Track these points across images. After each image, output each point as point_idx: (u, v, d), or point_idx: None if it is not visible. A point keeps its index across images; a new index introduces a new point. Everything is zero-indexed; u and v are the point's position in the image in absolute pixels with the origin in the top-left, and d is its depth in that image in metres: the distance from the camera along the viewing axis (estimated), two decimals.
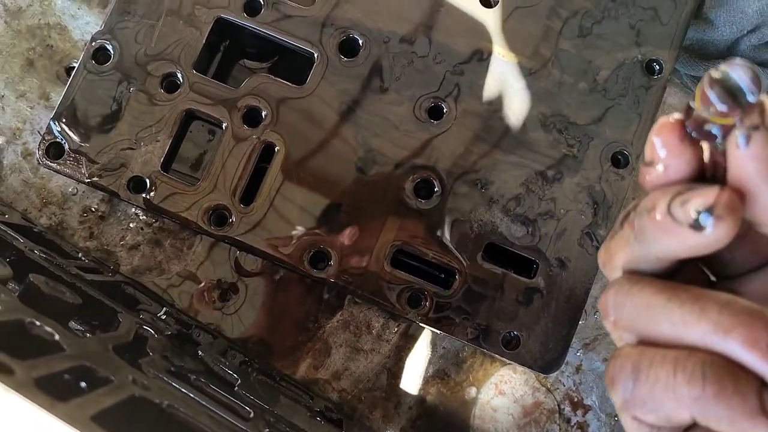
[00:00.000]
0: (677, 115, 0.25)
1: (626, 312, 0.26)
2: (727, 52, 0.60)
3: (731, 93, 0.23)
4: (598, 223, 0.53)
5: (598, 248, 0.53)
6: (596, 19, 0.54)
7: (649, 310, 0.25)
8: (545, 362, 0.52)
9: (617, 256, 0.28)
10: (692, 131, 0.25)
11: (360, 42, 0.53)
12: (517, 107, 0.54)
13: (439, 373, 0.59)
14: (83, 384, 0.32)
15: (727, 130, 0.24)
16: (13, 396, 0.26)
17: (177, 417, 0.35)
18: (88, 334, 0.41)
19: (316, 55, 0.53)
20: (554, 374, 0.60)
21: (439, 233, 0.52)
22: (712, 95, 0.23)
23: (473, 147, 0.53)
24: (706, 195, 0.23)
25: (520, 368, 0.59)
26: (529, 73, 0.54)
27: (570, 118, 0.54)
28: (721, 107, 0.23)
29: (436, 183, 0.53)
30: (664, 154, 0.25)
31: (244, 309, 0.58)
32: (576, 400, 0.60)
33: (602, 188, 0.53)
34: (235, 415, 0.40)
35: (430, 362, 0.59)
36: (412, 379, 0.59)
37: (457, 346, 0.60)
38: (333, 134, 0.53)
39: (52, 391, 0.27)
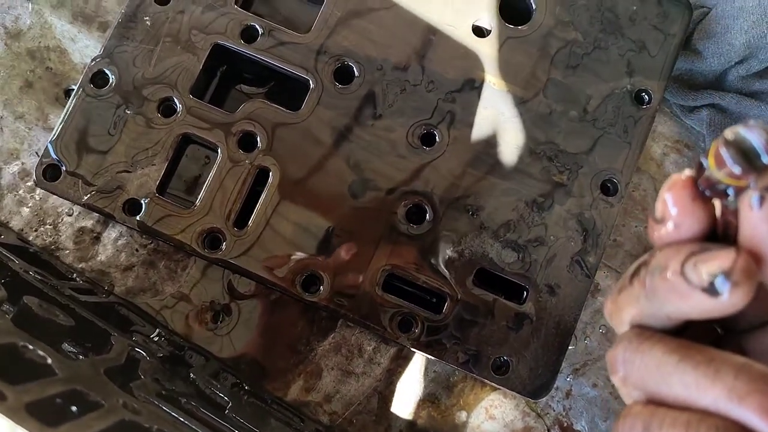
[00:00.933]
0: (688, 172, 0.25)
1: (636, 369, 0.26)
2: (716, 82, 0.61)
3: (745, 154, 0.23)
4: (587, 250, 0.54)
5: (587, 275, 0.54)
6: (586, 50, 0.56)
7: (660, 369, 0.25)
8: (534, 387, 0.53)
9: (625, 311, 0.27)
10: (704, 189, 0.25)
11: (354, 69, 0.54)
12: (508, 135, 0.55)
13: (429, 396, 0.60)
14: (74, 408, 0.32)
15: (740, 190, 0.24)
16: (4, 421, 0.26)
17: None
18: (80, 357, 0.42)
19: (311, 82, 0.54)
20: (544, 399, 0.60)
21: (430, 258, 0.53)
22: (727, 156, 0.23)
23: (465, 174, 0.54)
24: (723, 259, 0.23)
25: (510, 393, 0.60)
26: (520, 102, 0.55)
27: (560, 146, 0.55)
28: (736, 169, 0.23)
29: (428, 208, 0.53)
30: (675, 212, 0.25)
31: (236, 331, 0.58)
32: (566, 425, 0.61)
33: (592, 215, 0.54)
34: None
35: (421, 386, 0.60)
36: (403, 402, 0.59)
37: (448, 370, 0.60)
38: (327, 160, 0.53)
39: (43, 417, 0.28)
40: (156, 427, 0.35)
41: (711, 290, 0.23)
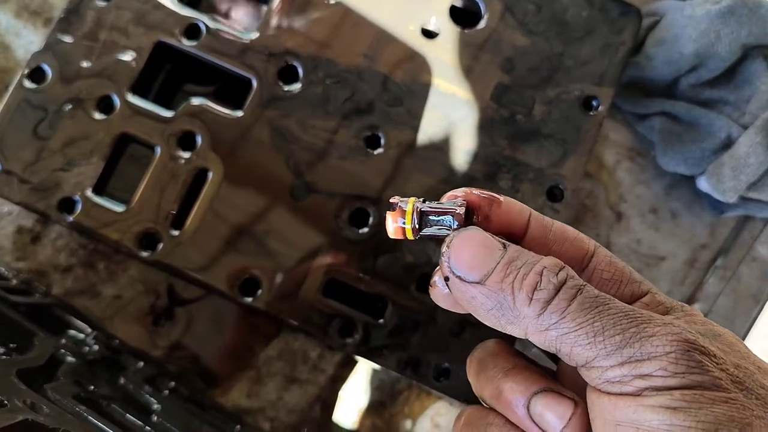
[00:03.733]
0: None
1: None
2: (668, 90, 0.61)
3: None
4: None
5: None
6: (535, 55, 0.55)
7: None
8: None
9: None
10: None
11: (299, 69, 0.53)
12: (454, 139, 0.54)
13: (374, 404, 0.59)
14: None
15: None
16: None
17: None
18: (3, 356, 0.40)
19: (254, 81, 0.53)
20: None
21: (372, 263, 0.52)
22: None
23: (409, 177, 0.53)
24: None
25: (456, 401, 0.59)
26: (467, 106, 0.54)
27: (507, 151, 0.54)
28: None
29: (371, 212, 0.53)
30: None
31: (176, 335, 0.57)
32: None
33: None
34: None
35: (365, 394, 0.59)
36: (347, 410, 0.58)
37: (393, 377, 0.59)
38: (268, 161, 0.52)
39: None
40: (62, 428, 0.33)
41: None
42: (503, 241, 0.29)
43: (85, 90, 0.52)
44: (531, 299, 0.27)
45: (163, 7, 0.53)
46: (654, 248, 0.62)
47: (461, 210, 0.30)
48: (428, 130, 0.54)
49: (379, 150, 0.53)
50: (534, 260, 0.28)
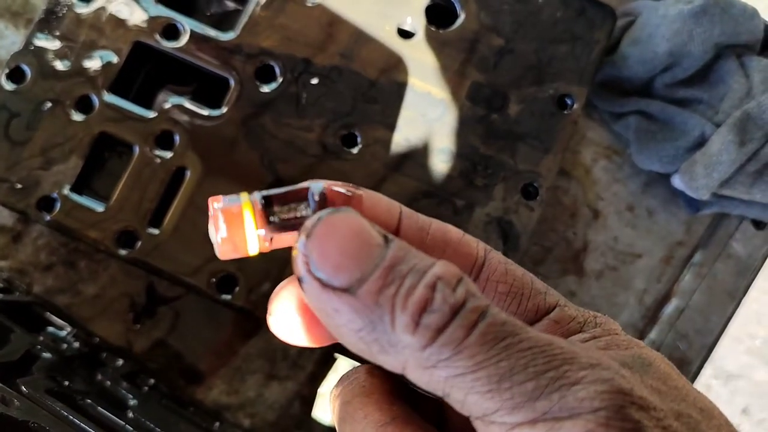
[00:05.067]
0: None
1: None
2: (643, 89, 0.61)
3: None
4: (506, 253, 0.54)
5: None
6: (510, 55, 0.56)
7: None
8: None
9: None
10: None
11: (276, 69, 0.54)
12: (430, 138, 0.55)
13: None
14: None
15: None
16: None
17: None
18: None
19: (231, 81, 0.54)
20: None
21: None
22: None
23: (385, 175, 0.54)
24: None
25: None
26: (442, 104, 0.55)
27: (482, 150, 0.55)
28: None
29: None
30: None
31: (156, 332, 0.58)
32: None
33: (512, 219, 0.54)
34: None
35: None
36: (326, 407, 0.59)
37: None
38: (244, 159, 0.53)
39: None
40: (32, 421, 0.34)
41: None
42: (385, 233, 0.22)
43: (63, 90, 0.53)
44: (417, 324, 0.20)
45: (142, 6, 0.54)
46: (631, 245, 0.63)
47: (317, 195, 0.23)
48: (404, 129, 0.55)
49: (356, 148, 0.54)
50: (425, 266, 0.21)
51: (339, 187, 0.24)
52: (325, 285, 0.21)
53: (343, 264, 0.21)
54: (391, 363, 0.21)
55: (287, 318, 0.24)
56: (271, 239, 0.23)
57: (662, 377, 0.22)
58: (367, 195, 0.25)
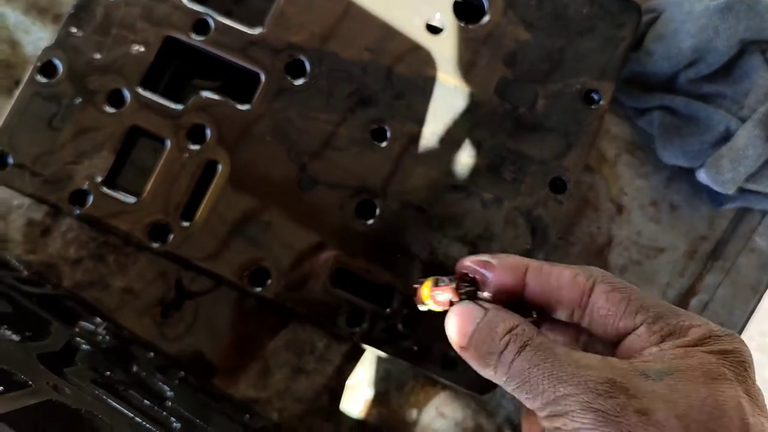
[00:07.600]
0: None
1: None
2: (667, 85, 0.62)
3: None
4: (535, 247, 0.54)
5: None
6: (537, 50, 0.56)
7: None
8: (481, 383, 0.53)
9: None
10: None
11: (306, 64, 0.54)
12: (458, 132, 0.55)
13: (380, 394, 0.60)
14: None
15: None
16: None
17: (95, 423, 0.35)
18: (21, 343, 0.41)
19: (262, 76, 0.54)
20: (496, 398, 0.60)
21: (379, 253, 0.53)
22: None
23: (414, 169, 0.54)
24: None
25: (461, 392, 0.60)
26: (471, 100, 0.55)
27: (510, 144, 0.55)
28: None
29: (377, 204, 0.54)
30: None
31: (185, 326, 0.58)
32: (516, 423, 0.61)
33: (540, 213, 0.55)
34: (160, 425, 0.40)
35: (372, 384, 0.60)
36: (354, 400, 0.59)
37: (399, 368, 0.60)
38: (275, 153, 0.53)
39: None
40: (84, 409, 0.34)
41: None
42: (486, 306, 0.36)
43: (95, 84, 0.53)
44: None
45: (172, 2, 0.54)
46: (654, 240, 0.63)
47: (452, 285, 0.38)
48: (432, 123, 0.55)
49: (385, 143, 0.54)
50: (505, 327, 0.34)
51: (474, 262, 0.38)
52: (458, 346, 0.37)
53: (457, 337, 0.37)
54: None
55: None
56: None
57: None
58: (498, 261, 0.37)
